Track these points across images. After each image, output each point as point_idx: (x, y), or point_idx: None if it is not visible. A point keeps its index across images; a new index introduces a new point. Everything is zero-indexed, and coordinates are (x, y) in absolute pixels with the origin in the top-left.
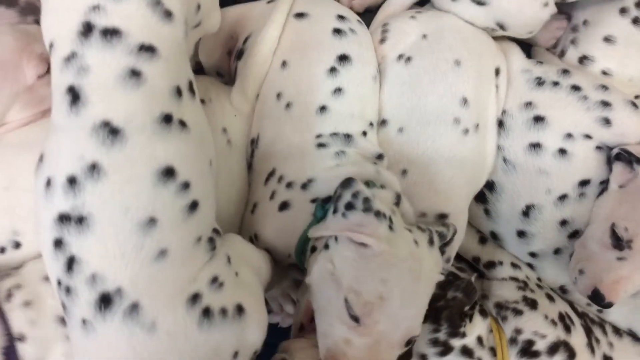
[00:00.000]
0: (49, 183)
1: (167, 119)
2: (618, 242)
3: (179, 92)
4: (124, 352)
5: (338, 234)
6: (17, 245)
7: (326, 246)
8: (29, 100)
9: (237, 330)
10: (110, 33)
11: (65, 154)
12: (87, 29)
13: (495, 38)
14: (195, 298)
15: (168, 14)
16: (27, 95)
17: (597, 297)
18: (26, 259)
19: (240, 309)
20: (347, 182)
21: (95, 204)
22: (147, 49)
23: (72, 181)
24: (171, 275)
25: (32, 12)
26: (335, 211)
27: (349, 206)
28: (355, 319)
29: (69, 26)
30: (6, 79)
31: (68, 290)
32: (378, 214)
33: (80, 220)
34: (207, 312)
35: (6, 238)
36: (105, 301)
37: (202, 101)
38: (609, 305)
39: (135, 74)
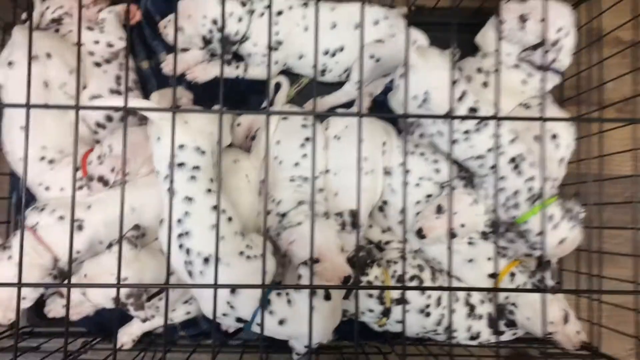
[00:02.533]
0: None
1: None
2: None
3: (211, 180)
4: None
5: None
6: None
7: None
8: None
9: None
10: (180, 165)
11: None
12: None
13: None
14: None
15: (203, 152)
16: (148, 160)
17: (420, 233)
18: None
19: None
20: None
21: (192, 224)
22: (195, 168)
23: (182, 218)
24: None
25: None
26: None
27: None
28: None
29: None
30: (139, 153)
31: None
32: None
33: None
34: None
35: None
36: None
37: (235, 161)
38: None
39: (194, 173)
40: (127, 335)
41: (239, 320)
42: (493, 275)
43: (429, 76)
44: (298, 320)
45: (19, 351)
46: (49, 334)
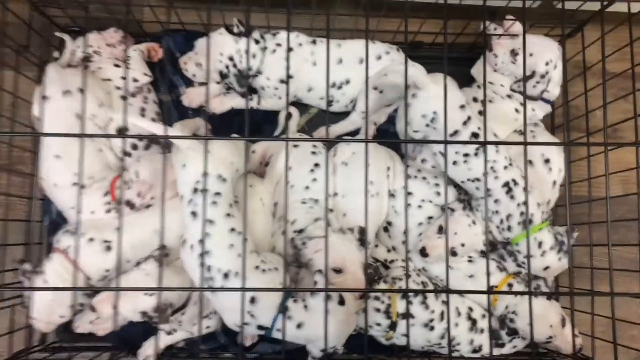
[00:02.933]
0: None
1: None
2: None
3: (230, 205)
4: None
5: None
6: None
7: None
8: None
9: None
10: (202, 190)
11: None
12: (195, 191)
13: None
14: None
15: (224, 180)
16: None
17: (422, 252)
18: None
19: None
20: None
21: (213, 244)
22: (217, 194)
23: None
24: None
25: None
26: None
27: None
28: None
29: (188, 190)
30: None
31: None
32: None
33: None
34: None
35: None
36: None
37: (250, 185)
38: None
39: (215, 199)
40: (151, 348)
41: (259, 327)
42: (491, 289)
43: (439, 98)
44: (314, 323)
45: None
46: (76, 348)
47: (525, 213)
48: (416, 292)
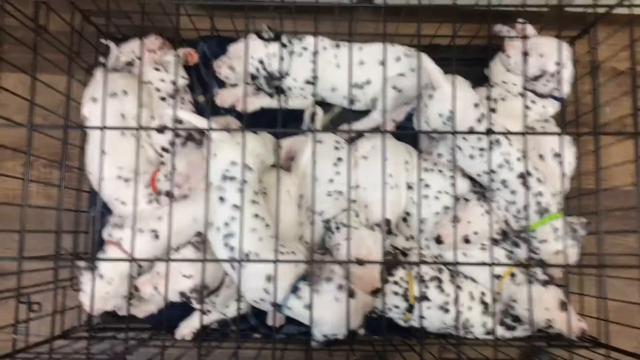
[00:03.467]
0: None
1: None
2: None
3: (255, 193)
4: None
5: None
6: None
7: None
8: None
9: None
10: (231, 178)
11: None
12: (224, 178)
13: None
14: None
15: (250, 169)
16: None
17: (438, 240)
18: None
19: None
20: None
21: (237, 227)
22: (245, 182)
23: (229, 222)
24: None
25: None
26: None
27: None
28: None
29: (218, 177)
30: (198, 172)
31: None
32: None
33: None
34: None
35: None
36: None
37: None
38: (442, 242)
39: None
40: (188, 328)
41: (273, 304)
42: (497, 277)
43: (454, 98)
44: (321, 307)
45: (94, 340)
46: (118, 329)
47: (539, 202)
48: (425, 263)
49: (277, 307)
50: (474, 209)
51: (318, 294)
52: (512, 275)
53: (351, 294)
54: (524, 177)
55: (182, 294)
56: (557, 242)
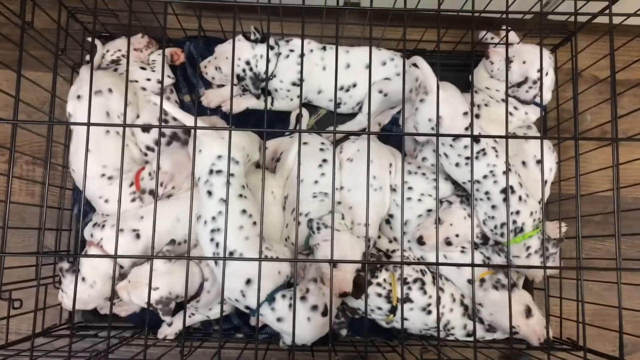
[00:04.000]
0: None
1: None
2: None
3: (243, 187)
4: None
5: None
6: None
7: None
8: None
9: None
10: (217, 172)
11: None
12: (211, 172)
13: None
14: None
15: (237, 162)
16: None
17: (419, 241)
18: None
19: None
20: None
21: (223, 222)
22: (230, 175)
23: (216, 217)
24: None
25: None
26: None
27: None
28: None
29: (204, 171)
30: (182, 170)
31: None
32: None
33: (218, 229)
34: None
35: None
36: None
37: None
38: (424, 243)
39: (231, 177)
40: (170, 328)
41: (246, 307)
42: (469, 281)
43: (444, 104)
44: (290, 324)
45: (75, 338)
46: (100, 327)
47: (516, 221)
48: (408, 264)
49: (250, 310)
50: (456, 211)
51: (290, 310)
52: (482, 280)
53: (324, 313)
54: (506, 192)
55: (150, 305)
56: (528, 259)
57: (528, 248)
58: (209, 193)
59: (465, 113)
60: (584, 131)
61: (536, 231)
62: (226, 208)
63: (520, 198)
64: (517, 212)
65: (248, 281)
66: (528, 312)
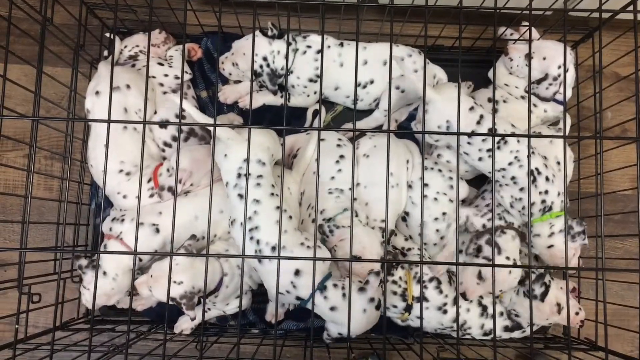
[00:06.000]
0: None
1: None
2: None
3: (273, 186)
4: None
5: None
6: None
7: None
8: (208, 176)
9: None
10: (245, 175)
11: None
12: (239, 176)
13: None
14: None
15: (263, 163)
16: (209, 174)
17: (463, 296)
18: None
19: None
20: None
21: (260, 220)
22: (259, 176)
23: (252, 216)
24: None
25: None
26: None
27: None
28: None
29: (233, 176)
30: (201, 168)
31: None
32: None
33: (257, 227)
34: None
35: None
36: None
37: (279, 175)
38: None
39: (258, 181)
40: (187, 322)
41: (297, 298)
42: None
43: (447, 107)
44: (346, 313)
45: (94, 332)
46: (117, 321)
47: (544, 201)
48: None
49: (301, 301)
50: (502, 270)
51: (344, 299)
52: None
53: (377, 306)
54: (533, 174)
55: (172, 299)
56: (550, 238)
57: (552, 226)
58: (240, 196)
59: (471, 108)
60: (605, 129)
61: (562, 212)
62: (245, 204)
63: (547, 178)
64: (546, 192)
65: (297, 272)
66: (558, 309)
